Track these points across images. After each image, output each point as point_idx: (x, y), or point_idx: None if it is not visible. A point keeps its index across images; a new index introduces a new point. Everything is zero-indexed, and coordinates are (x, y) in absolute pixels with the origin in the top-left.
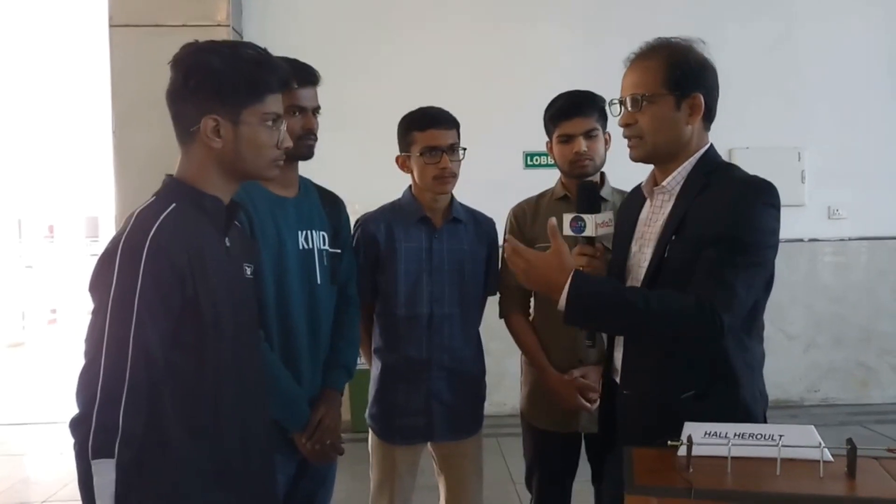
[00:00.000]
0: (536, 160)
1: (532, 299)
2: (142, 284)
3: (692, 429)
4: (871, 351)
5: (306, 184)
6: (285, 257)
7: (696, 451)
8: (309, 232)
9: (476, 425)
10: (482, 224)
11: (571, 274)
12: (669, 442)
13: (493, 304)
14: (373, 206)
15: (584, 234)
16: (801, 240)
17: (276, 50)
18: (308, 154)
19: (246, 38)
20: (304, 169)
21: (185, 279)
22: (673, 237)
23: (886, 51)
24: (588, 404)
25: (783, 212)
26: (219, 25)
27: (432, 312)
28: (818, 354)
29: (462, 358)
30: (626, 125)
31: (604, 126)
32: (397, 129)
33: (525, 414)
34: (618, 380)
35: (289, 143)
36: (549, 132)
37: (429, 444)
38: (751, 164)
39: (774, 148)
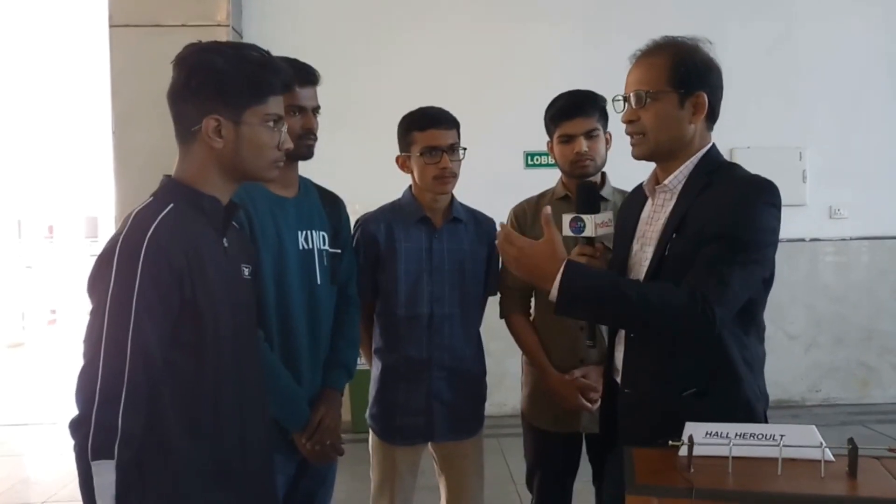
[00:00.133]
0: (537, 160)
1: (533, 299)
2: (140, 285)
3: (693, 429)
4: (872, 351)
5: (306, 184)
6: (285, 257)
7: (697, 450)
8: (309, 232)
9: (477, 425)
10: (482, 224)
11: (564, 263)
12: (670, 442)
13: (493, 304)
14: (373, 206)
15: (584, 234)
16: (803, 239)
17: (277, 50)
18: (308, 154)
19: (246, 38)
20: (304, 169)
21: (183, 279)
22: (674, 236)
23: (886, 50)
24: (589, 404)
25: (784, 211)
26: (219, 25)
27: (432, 312)
28: (819, 354)
29: (462, 358)
30: (629, 122)
31: (605, 126)
32: (397, 129)
33: (526, 414)
34: (619, 379)
35: (289, 145)
36: (549, 132)
37: (429, 444)
38: (752, 164)
39: (775, 148)
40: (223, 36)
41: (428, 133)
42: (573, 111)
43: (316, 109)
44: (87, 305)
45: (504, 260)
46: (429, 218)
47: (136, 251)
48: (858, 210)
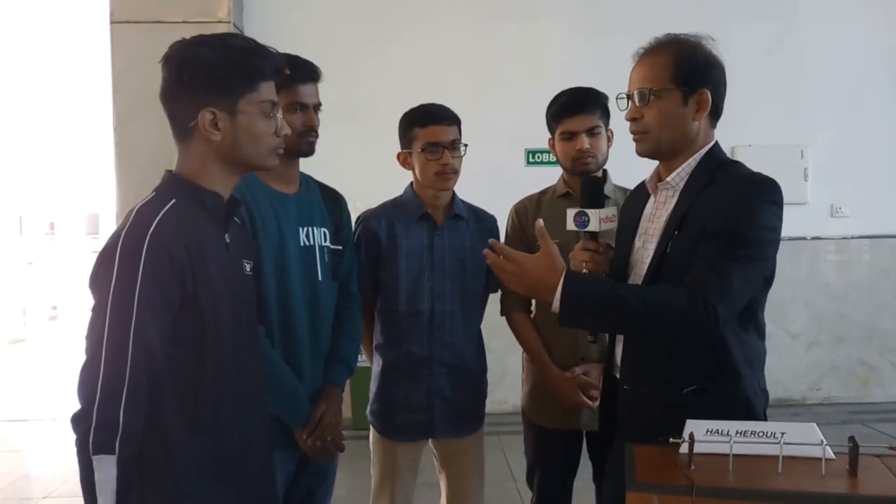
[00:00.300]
0: (538, 157)
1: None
2: (142, 280)
3: (694, 426)
4: (873, 349)
5: (307, 180)
6: (286, 254)
7: (697, 448)
8: (310, 228)
9: (477, 423)
10: (484, 221)
11: (563, 274)
12: (671, 439)
13: (494, 302)
14: (374, 202)
15: (588, 228)
16: (804, 238)
17: (278, 46)
18: (309, 151)
19: (247, 35)
20: (306, 166)
21: (184, 275)
22: (676, 233)
23: (887, 49)
24: (589, 402)
25: (785, 209)
26: (220, 22)
27: (434, 309)
28: (820, 353)
29: (463, 355)
30: (632, 119)
31: (606, 123)
32: (398, 126)
33: (526, 411)
34: (618, 376)
35: (287, 131)
36: (551, 129)
37: (430, 441)
38: (754, 162)
39: (777, 146)
40: None
41: (429, 129)
42: (575, 108)
43: (317, 106)
44: (88, 301)
45: (502, 278)
46: (430, 215)
47: (138, 247)
48: (860, 208)
